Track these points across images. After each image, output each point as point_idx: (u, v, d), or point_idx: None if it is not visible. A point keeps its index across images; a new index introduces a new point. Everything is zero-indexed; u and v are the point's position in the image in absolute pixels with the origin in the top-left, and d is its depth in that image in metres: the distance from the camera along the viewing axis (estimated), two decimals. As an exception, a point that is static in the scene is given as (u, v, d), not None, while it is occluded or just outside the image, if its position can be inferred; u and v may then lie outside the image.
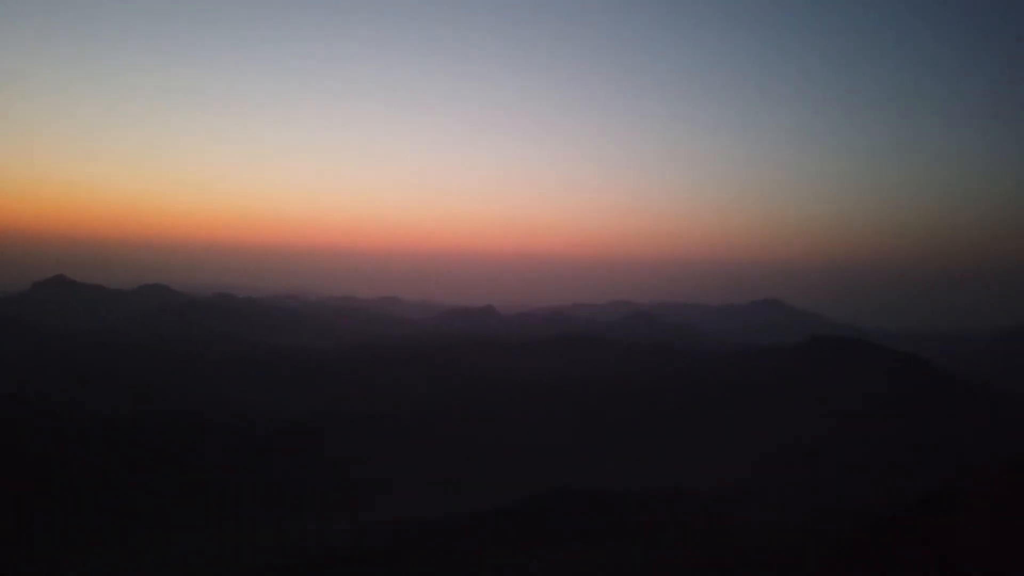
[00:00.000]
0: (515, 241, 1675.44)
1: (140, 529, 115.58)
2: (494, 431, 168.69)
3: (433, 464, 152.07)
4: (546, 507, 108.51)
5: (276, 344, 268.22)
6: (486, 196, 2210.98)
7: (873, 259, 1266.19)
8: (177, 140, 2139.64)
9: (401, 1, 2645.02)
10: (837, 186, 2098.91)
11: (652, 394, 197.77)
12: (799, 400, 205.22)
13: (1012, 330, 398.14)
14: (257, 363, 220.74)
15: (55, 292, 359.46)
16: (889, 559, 73.83)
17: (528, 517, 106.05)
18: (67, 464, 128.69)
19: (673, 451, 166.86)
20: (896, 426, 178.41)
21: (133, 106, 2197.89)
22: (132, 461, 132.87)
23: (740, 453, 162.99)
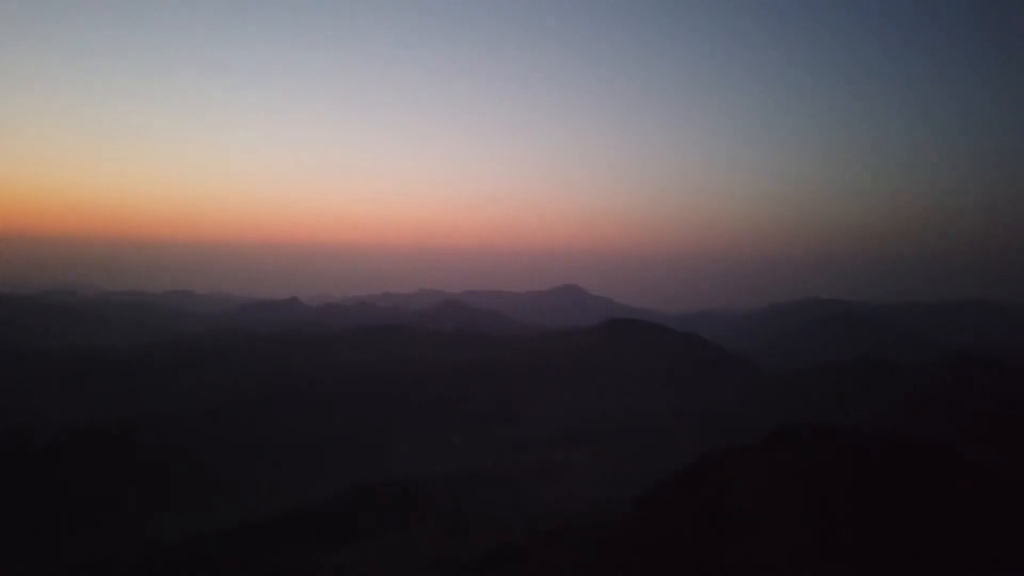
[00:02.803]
0: (320, 231, 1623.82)
1: None
2: (298, 427, 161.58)
3: (235, 465, 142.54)
4: (349, 502, 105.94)
5: (53, 344, 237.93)
6: (286, 183, 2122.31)
7: (660, 248, 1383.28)
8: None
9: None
10: (628, 181, 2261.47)
11: (458, 381, 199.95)
12: (596, 379, 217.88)
13: (777, 308, 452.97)
14: (36, 364, 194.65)
15: None
16: (669, 519, 79.98)
17: (331, 514, 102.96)
18: None
19: (479, 435, 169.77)
20: (681, 398, 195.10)
21: None
22: None
23: (542, 432, 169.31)
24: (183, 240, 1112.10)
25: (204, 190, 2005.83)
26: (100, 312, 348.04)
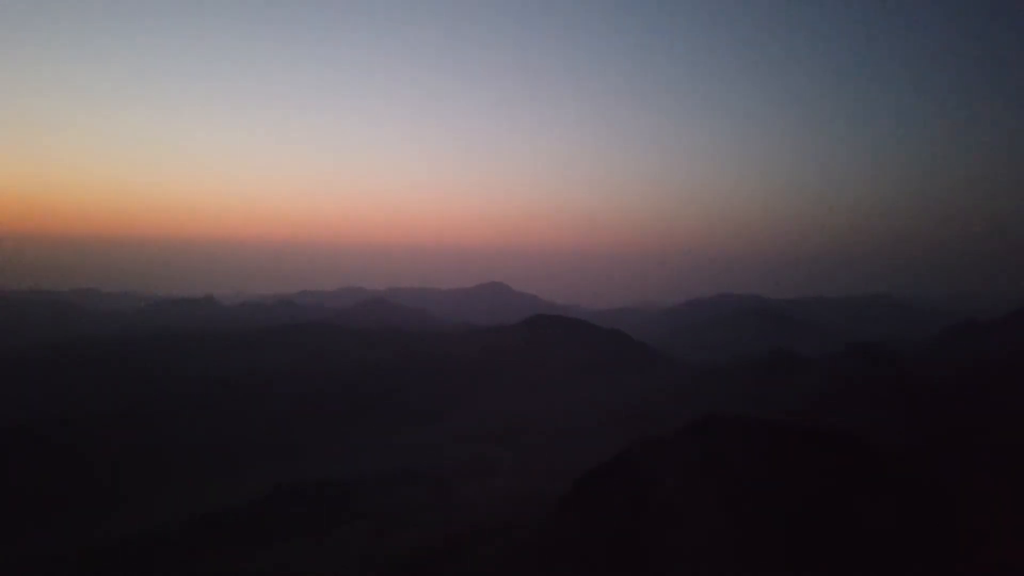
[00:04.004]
0: (237, 227, 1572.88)
1: None
2: (218, 429, 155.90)
3: (141, 471, 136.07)
4: (271, 504, 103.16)
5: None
6: (200, 177, 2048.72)
7: (583, 246, 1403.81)
8: None
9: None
10: (552, 179, 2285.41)
11: (383, 380, 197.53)
12: (521, 375, 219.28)
13: (695, 304, 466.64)
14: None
15: None
16: (594, 510, 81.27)
17: (252, 517, 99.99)
18: None
19: (405, 434, 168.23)
20: (604, 392, 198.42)
21: None
22: None
23: (469, 430, 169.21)
24: (88, 236, 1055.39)
25: (112, 183, 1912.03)
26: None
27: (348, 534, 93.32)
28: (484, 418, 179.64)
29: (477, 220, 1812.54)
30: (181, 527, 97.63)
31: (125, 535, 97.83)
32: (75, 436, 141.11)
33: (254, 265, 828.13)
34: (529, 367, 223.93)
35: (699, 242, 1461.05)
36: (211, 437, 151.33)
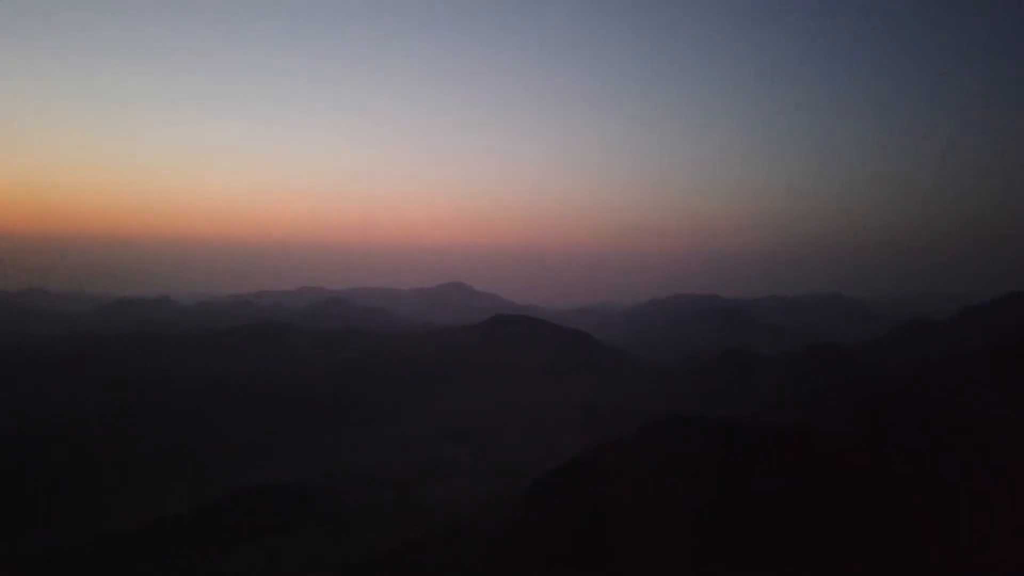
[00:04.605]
0: (195, 226, 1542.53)
1: None
2: (172, 433, 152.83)
3: (102, 474, 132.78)
4: (226, 508, 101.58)
5: None
6: (156, 175, 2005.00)
7: (545, 245, 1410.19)
8: None
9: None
10: (513, 178, 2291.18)
11: (343, 380, 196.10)
12: (482, 375, 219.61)
13: (655, 304, 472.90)
14: None
15: None
16: (554, 511, 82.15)
17: (206, 521, 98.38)
18: None
19: (365, 435, 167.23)
20: (565, 392, 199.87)
21: None
22: None
23: (429, 430, 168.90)
24: (35, 234, 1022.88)
25: (60, 179, 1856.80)
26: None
27: (305, 538, 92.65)
28: (444, 418, 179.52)
29: (439, 220, 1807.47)
30: (131, 534, 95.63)
31: (73, 544, 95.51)
32: (21, 443, 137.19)
33: (212, 265, 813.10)
34: (490, 367, 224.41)
35: (659, 242, 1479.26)
36: (164, 441, 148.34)
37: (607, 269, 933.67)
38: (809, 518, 76.16)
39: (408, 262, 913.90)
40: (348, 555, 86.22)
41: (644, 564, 73.08)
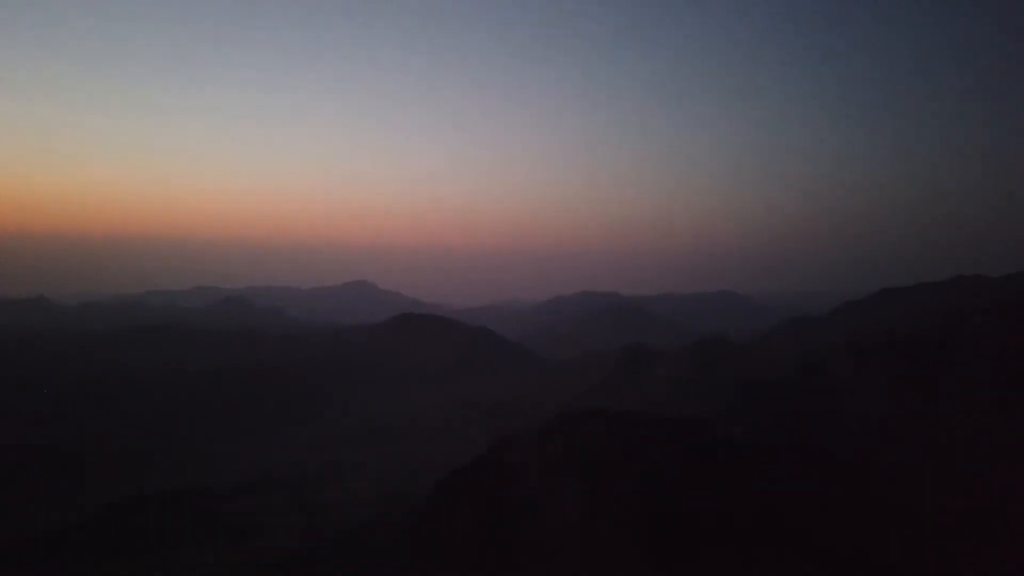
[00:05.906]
0: (76, 221, 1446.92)
1: None
2: (60, 438, 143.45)
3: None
4: (118, 518, 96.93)
5: None
6: (38, 166, 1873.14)
7: (449, 243, 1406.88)
8: None
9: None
10: (416, 176, 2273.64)
11: (241, 383, 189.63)
12: (387, 374, 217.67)
13: (559, 301, 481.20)
14: None
15: None
16: (458, 509, 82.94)
17: (98, 531, 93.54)
18: None
19: (265, 439, 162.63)
20: (471, 389, 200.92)
21: None
22: None
23: (333, 432, 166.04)
24: None
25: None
26: None
27: (204, 545, 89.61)
28: (347, 420, 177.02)
29: (342, 217, 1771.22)
30: (18, 546, 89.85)
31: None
32: None
33: (95, 263, 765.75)
34: (394, 366, 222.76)
35: (562, 240, 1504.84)
36: (47, 450, 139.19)
37: (513, 267, 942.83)
38: (705, 504, 80.00)
39: (310, 260, 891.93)
40: (246, 561, 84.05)
41: (548, 557, 74.96)
